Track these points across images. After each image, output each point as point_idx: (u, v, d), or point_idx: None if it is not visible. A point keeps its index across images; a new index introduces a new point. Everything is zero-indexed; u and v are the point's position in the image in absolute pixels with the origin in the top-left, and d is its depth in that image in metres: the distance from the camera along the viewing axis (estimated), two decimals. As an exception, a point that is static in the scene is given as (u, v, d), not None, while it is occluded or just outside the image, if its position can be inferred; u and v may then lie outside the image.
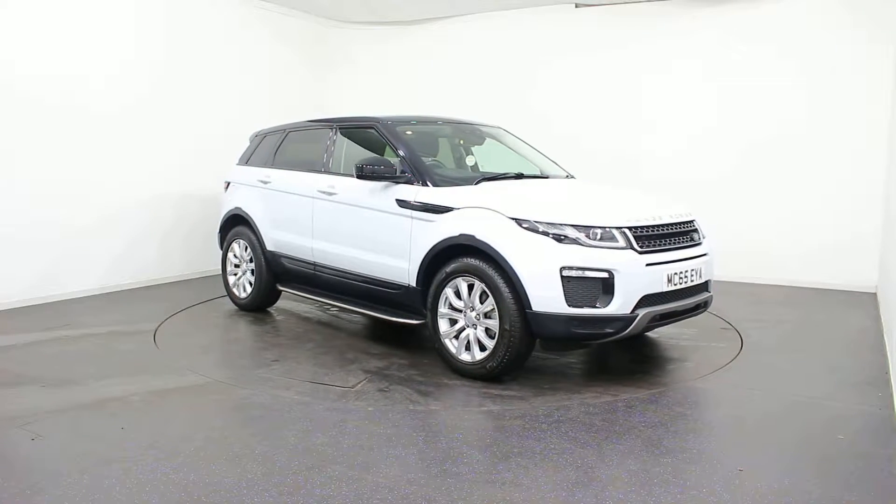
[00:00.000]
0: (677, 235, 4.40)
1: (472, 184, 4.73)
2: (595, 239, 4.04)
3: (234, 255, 6.29)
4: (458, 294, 4.34)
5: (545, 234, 4.05)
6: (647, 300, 4.09)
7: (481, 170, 5.64)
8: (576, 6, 8.28)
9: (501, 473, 3.00)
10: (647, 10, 7.97)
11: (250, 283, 6.12)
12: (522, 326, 4.06)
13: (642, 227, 4.20)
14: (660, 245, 4.24)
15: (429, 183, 4.72)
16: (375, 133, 5.27)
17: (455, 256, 4.37)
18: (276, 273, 5.95)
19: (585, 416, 3.68)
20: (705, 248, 4.60)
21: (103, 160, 6.67)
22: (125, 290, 6.89)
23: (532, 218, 4.11)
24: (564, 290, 3.95)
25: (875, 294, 6.88)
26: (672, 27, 7.86)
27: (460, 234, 4.32)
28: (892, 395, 3.97)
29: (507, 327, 4.07)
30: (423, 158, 5.00)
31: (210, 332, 5.58)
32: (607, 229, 4.07)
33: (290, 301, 6.50)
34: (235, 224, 6.27)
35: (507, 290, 4.07)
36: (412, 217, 4.67)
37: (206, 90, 7.68)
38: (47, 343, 5.03)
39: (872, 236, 6.97)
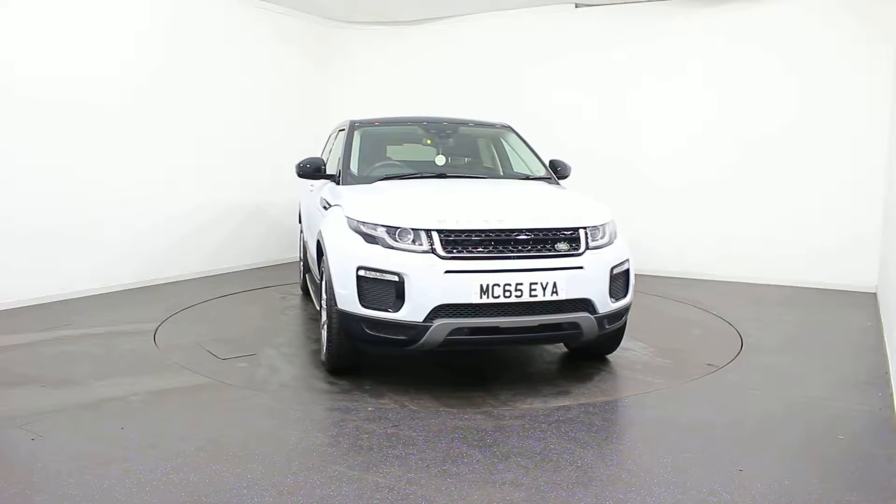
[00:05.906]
0: (520, 243, 3.87)
1: (370, 183, 4.82)
2: (400, 240, 3.89)
3: (302, 246, 6.88)
4: None
5: (359, 232, 4.05)
6: (451, 310, 3.76)
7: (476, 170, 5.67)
8: (576, 6, 8.28)
9: (501, 473, 3.00)
10: (647, 10, 7.97)
11: None
12: (338, 323, 4.10)
13: (455, 231, 3.83)
14: (478, 252, 3.81)
15: (339, 182, 4.93)
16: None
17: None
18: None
19: (585, 416, 3.68)
20: (583, 261, 3.93)
21: (101, 159, 6.65)
22: (125, 290, 6.88)
23: (356, 217, 4.13)
24: (358, 290, 3.92)
25: (875, 294, 6.87)
26: (672, 27, 7.86)
27: (319, 231, 4.55)
28: (892, 395, 3.97)
29: (325, 322, 4.23)
30: (352, 158, 5.10)
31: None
32: (413, 231, 3.88)
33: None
34: (301, 219, 6.94)
35: (332, 286, 4.14)
36: (322, 214, 4.90)
37: (206, 90, 7.67)
38: (47, 343, 5.03)
39: (872, 236, 6.97)
